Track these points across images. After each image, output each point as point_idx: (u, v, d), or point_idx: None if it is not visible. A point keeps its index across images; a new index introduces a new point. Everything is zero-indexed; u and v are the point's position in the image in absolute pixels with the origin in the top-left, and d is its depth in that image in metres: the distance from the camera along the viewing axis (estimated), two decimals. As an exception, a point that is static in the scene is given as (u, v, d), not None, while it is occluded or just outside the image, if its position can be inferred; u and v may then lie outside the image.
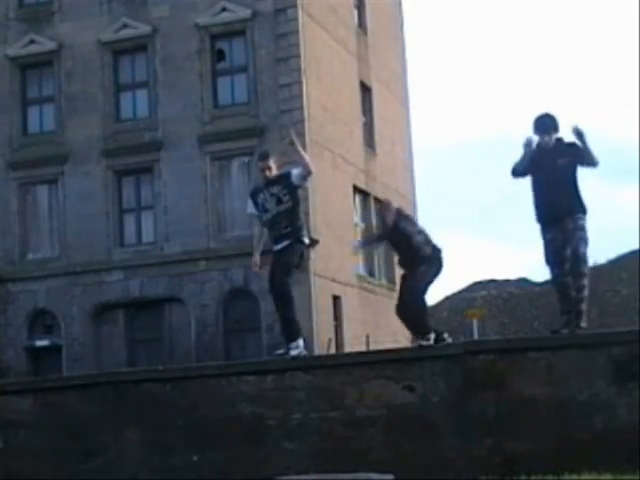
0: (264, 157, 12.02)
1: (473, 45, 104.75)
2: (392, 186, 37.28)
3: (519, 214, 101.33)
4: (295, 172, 11.66)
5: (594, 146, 10.68)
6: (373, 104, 36.95)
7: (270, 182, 11.73)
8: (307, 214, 30.55)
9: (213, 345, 30.35)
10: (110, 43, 32.82)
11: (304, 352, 11.30)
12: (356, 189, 34.62)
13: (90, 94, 32.65)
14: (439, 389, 10.10)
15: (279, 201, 11.61)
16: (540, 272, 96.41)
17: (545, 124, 10.87)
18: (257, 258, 11.81)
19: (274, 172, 11.78)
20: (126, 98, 33.05)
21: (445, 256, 12.22)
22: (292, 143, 12.10)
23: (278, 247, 11.52)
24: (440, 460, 9.86)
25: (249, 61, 31.85)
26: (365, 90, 36.51)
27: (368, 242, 18.85)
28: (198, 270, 30.98)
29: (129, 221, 32.54)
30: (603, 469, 9.06)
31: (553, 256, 10.75)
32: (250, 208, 12.08)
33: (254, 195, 12.07)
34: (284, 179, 11.69)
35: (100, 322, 31.56)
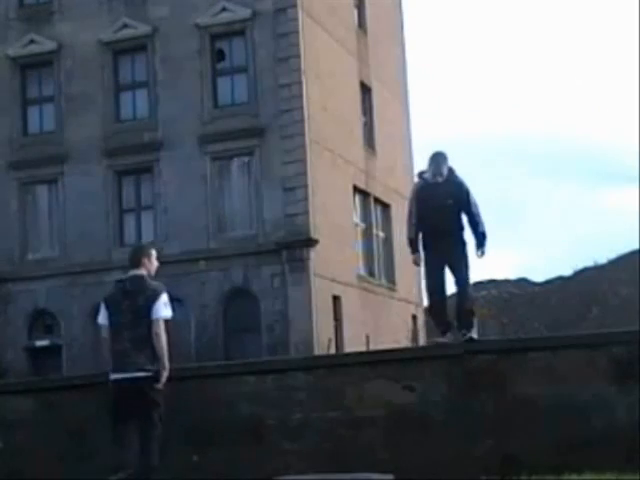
0: None
1: (473, 44, 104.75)
2: (392, 186, 37.24)
3: (519, 214, 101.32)
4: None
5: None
6: (373, 104, 36.94)
7: None
8: (307, 214, 30.62)
9: (213, 345, 30.33)
10: (110, 43, 32.82)
11: None
12: (356, 189, 34.60)
13: (90, 94, 32.64)
14: (439, 389, 10.09)
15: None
16: (540, 272, 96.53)
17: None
18: None
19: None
20: (126, 98, 33.05)
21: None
22: None
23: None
24: (440, 460, 9.85)
25: (249, 61, 31.84)
26: (365, 90, 36.49)
27: None
28: (198, 270, 30.96)
29: (129, 221, 32.53)
30: (603, 469, 9.06)
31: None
32: None
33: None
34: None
35: (100, 322, 31.51)
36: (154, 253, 9.53)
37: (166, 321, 9.19)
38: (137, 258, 9.41)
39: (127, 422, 9.07)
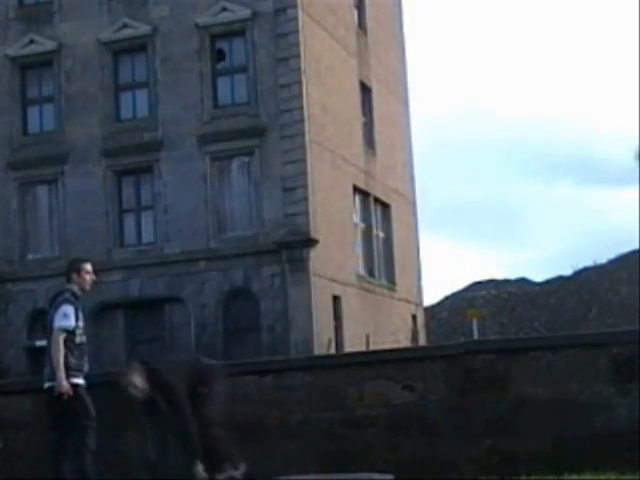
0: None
1: (473, 44, 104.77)
2: (392, 186, 37.25)
3: (519, 214, 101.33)
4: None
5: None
6: (373, 104, 36.93)
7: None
8: (307, 214, 30.62)
9: (213, 345, 30.32)
10: (110, 43, 32.81)
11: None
12: (356, 189, 34.59)
13: (90, 94, 32.64)
14: (439, 389, 10.09)
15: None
16: (540, 272, 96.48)
17: None
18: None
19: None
20: (126, 98, 33.04)
21: None
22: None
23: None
24: (440, 460, 9.85)
25: (249, 61, 31.84)
26: (365, 90, 36.48)
27: None
28: (198, 270, 30.96)
29: (129, 221, 32.52)
30: (603, 469, 9.05)
31: None
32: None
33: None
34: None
35: (100, 322, 31.48)
36: (86, 267, 9.55)
37: (71, 332, 9.22)
38: (67, 273, 9.60)
39: (57, 431, 9.36)
